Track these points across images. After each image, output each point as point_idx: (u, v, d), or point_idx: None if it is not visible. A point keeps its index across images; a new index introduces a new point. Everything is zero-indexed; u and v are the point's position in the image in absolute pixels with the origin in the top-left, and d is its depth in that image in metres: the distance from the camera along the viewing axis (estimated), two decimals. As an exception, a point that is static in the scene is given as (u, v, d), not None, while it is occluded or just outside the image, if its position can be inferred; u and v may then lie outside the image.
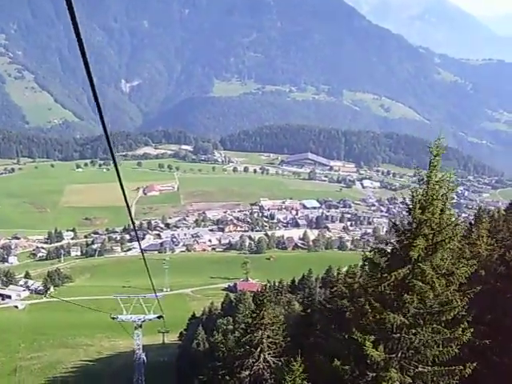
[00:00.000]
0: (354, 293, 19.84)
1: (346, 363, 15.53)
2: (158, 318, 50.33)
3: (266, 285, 29.80)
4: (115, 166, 8.79)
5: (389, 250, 15.85)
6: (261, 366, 27.59)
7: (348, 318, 19.63)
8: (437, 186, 15.10)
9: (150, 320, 50.31)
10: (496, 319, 17.85)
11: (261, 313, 27.52)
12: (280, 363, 26.76)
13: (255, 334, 27.63)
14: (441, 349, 15.01)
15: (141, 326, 49.21)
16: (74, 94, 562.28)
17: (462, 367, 14.83)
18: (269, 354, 27.71)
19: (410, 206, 15.59)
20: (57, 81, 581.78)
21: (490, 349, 16.31)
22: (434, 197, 15.07)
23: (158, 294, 47.78)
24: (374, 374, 14.96)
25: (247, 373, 27.61)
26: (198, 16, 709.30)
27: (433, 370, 15.16)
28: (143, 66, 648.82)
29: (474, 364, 14.80)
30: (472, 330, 14.78)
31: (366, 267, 16.28)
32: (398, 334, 15.19)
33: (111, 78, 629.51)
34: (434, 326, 15.12)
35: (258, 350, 27.62)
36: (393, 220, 17.36)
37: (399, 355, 15.33)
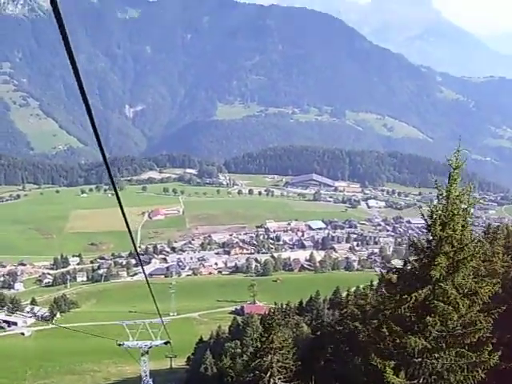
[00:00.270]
0: (366, 314, 19.10)
1: (366, 391, 14.84)
2: (165, 343, 49.05)
3: (274, 308, 28.97)
4: (115, 191, 8.88)
5: (407, 270, 15.13)
6: None
7: (361, 341, 18.91)
8: (457, 201, 14.33)
9: (157, 346, 49.21)
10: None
11: (270, 337, 26.69)
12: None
13: (264, 359, 26.74)
14: (466, 373, 14.13)
15: (147, 352, 48.27)
16: (79, 120, 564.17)
17: (488, 393, 14.13)
18: (279, 378, 26.77)
19: (430, 223, 14.83)
20: (61, 107, 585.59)
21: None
22: (455, 212, 14.32)
23: (164, 318, 46.99)
24: (395, 402, 14.22)
25: None
26: (200, 40, 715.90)
27: (457, 395, 14.45)
28: (146, 91, 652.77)
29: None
30: (500, 353, 14.06)
31: (383, 288, 15.43)
32: (420, 359, 14.31)
33: (115, 104, 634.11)
34: (458, 349, 14.30)
35: (268, 374, 26.70)
36: (412, 238, 16.57)
37: (421, 381, 14.53)
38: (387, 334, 14.21)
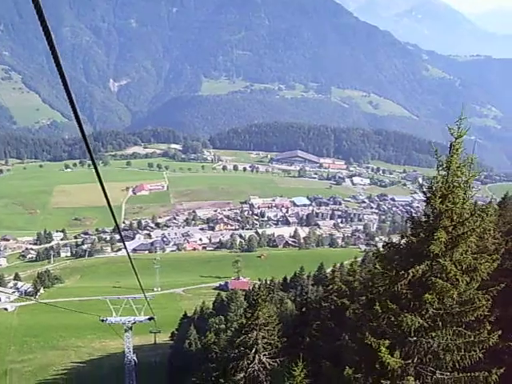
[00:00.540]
0: (354, 291, 18.58)
1: (358, 371, 14.31)
2: (149, 319, 48.64)
3: (259, 284, 28.42)
4: (93, 163, 8.38)
5: (404, 245, 14.57)
6: (256, 368, 26.26)
7: (348, 318, 18.46)
8: (458, 172, 13.71)
9: (141, 322, 48.64)
10: (507, 318, 16.63)
11: (255, 313, 26.21)
12: (276, 364, 25.66)
13: (250, 335, 26.29)
14: (462, 353, 13.70)
15: (131, 328, 47.76)
16: (62, 95, 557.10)
17: (487, 373, 13.56)
18: (264, 355, 26.36)
19: (428, 195, 14.22)
20: (44, 81, 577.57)
21: (504, 351, 15.07)
22: (456, 184, 13.75)
23: (148, 294, 46.54)
24: (389, 383, 13.75)
25: (242, 375, 26.30)
26: (186, 14, 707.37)
27: (453, 376, 13.88)
28: (131, 66, 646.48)
29: (502, 370, 13.64)
30: (500, 332, 13.61)
31: (376, 264, 14.81)
32: (415, 338, 13.78)
33: (99, 78, 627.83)
34: (455, 328, 13.84)
35: (253, 351, 26.27)
36: (411, 213, 16.01)
37: (415, 360, 14.06)
38: (381, 311, 13.74)
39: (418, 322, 13.31)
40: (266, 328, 26.22)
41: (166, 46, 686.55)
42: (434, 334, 13.67)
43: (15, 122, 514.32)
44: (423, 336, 13.73)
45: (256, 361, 26.25)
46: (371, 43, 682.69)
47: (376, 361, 13.21)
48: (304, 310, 30.49)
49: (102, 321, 46.96)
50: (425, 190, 14.35)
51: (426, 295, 13.27)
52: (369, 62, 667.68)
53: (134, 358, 48.41)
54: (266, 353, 26.34)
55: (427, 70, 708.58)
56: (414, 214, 15.87)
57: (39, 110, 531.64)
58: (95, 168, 8.70)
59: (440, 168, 13.97)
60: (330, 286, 26.88)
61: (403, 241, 14.49)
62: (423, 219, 14.62)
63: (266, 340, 26.27)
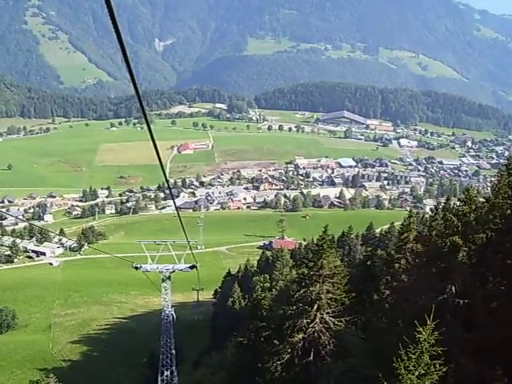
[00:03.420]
0: (469, 226, 14.43)
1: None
2: (191, 268, 42.56)
3: (325, 226, 23.85)
4: (147, 125, 8.18)
5: None
6: (317, 328, 22.51)
7: (461, 262, 14.19)
8: None
9: (181, 270, 42.74)
10: None
11: (319, 261, 22.31)
12: (342, 325, 21.83)
13: (311, 289, 22.44)
14: None
15: (169, 278, 43.11)
16: (108, 54, 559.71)
17: None
18: (327, 313, 22.59)
19: None
20: (90, 41, 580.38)
21: None
22: None
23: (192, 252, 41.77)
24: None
25: (300, 336, 22.55)
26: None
27: None
28: (176, 25, 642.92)
29: None
30: None
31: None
32: None
33: (145, 38, 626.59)
34: None
35: (315, 307, 22.48)
36: None
37: None
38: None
39: None
40: (332, 280, 22.26)
41: (211, 6, 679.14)
42: None
43: (62, 82, 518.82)
44: None
45: (317, 319, 22.40)
46: (421, 2, 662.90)
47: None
48: (369, 263, 26.59)
49: (136, 268, 42.27)
50: None
51: None
52: (418, 22, 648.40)
53: (172, 312, 44.10)
54: (330, 310, 22.53)
55: (479, 31, 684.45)
56: None
57: (85, 69, 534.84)
58: (148, 125, 8.17)
59: None
60: (405, 235, 23.01)
61: None
62: None
63: (330, 295, 22.36)
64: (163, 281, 42.83)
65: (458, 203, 15.82)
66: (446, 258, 13.70)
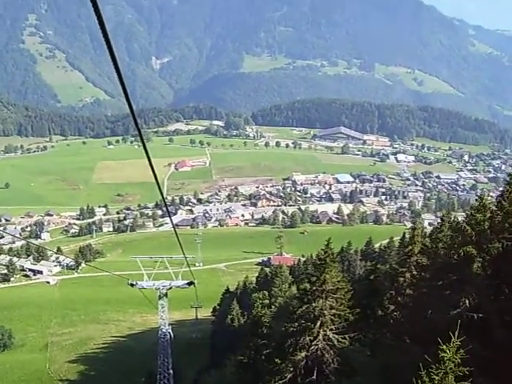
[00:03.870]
0: (484, 235, 13.75)
1: None
2: (189, 284, 41.30)
3: (328, 240, 23.09)
4: (142, 142, 8.36)
5: None
6: (321, 346, 21.73)
7: (476, 273, 13.49)
8: None
9: (179, 287, 41.61)
10: None
11: (322, 276, 21.60)
12: (346, 342, 21.07)
13: (314, 304, 21.68)
14: None
15: (166, 295, 41.91)
16: (105, 72, 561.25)
17: None
18: (331, 329, 21.87)
19: None
20: (88, 59, 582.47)
21: None
22: None
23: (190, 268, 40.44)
24: None
25: (303, 354, 21.75)
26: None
27: None
28: (173, 43, 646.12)
29: None
30: None
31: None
32: None
33: (142, 56, 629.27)
34: None
35: (318, 324, 21.77)
36: None
37: None
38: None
39: None
40: (335, 296, 21.53)
41: (207, 23, 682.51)
42: None
43: (59, 100, 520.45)
44: None
45: (321, 337, 21.61)
46: (416, 18, 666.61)
47: None
48: (372, 277, 25.92)
49: (132, 285, 41.08)
50: None
51: None
52: (413, 38, 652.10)
53: (170, 331, 42.72)
54: (334, 327, 21.77)
55: (473, 46, 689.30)
56: None
57: (82, 88, 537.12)
58: (143, 143, 8.39)
59: None
60: (409, 248, 22.38)
61: None
62: None
63: (333, 311, 21.62)
64: (160, 298, 41.60)
65: (471, 211, 15.18)
66: (458, 270, 13.14)
